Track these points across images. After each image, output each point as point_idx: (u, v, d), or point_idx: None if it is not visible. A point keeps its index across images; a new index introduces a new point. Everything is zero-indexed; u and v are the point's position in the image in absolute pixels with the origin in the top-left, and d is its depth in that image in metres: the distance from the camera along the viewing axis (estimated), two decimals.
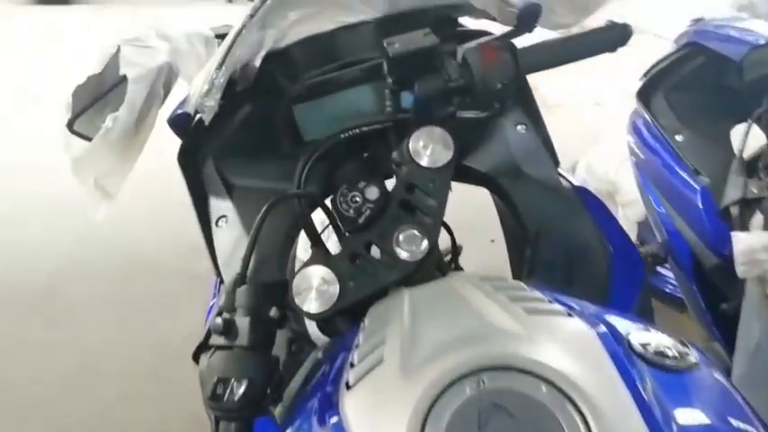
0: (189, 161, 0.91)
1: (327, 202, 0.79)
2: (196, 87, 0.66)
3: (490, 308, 0.53)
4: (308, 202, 0.80)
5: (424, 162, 0.72)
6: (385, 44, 0.73)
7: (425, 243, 0.70)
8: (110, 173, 0.73)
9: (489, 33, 0.92)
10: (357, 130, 0.81)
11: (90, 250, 2.42)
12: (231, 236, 0.87)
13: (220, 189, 0.90)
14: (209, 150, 0.91)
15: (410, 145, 0.73)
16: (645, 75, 1.54)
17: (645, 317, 0.79)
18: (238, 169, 0.91)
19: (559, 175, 0.90)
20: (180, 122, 0.72)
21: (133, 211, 2.12)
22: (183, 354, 0.62)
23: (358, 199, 0.72)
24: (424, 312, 0.58)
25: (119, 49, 0.70)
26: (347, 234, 0.73)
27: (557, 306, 0.53)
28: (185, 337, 0.89)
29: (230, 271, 0.83)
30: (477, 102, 0.77)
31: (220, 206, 0.90)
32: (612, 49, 0.78)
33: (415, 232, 0.70)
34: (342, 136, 0.81)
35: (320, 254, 0.72)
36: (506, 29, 0.78)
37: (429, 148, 0.73)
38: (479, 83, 0.73)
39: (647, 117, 1.53)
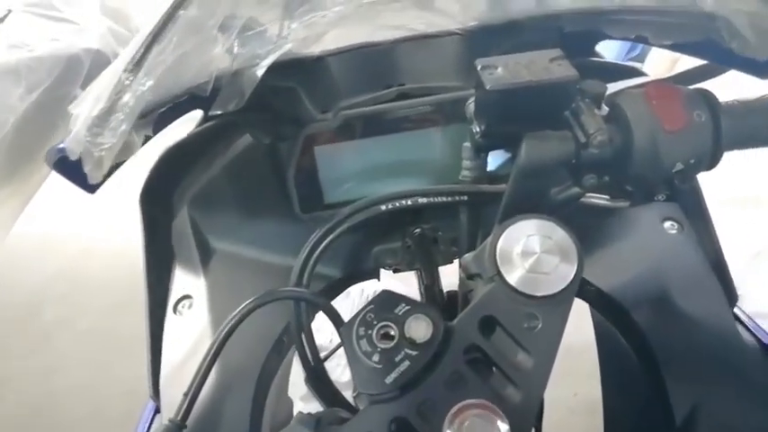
0: (154, 206, 0.64)
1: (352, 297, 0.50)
2: (85, 107, 0.37)
3: None
4: (315, 305, 0.51)
5: (518, 282, 0.42)
6: (479, 67, 0.44)
7: None
8: None
9: (640, 72, 0.61)
10: (408, 202, 0.51)
11: (88, 269, 2.21)
12: (191, 332, 0.59)
13: (192, 253, 0.63)
14: (185, 195, 0.64)
15: (498, 246, 0.43)
16: None
17: None
18: (223, 227, 0.64)
19: (737, 320, 0.56)
20: (71, 166, 0.44)
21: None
22: None
23: (392, 332, 0.42)
24: None
25: (6, 16, 0.43)
26: (365, 396, 0.42)
27: None
28: None
29: (170, 402, 0.54)
30: (621, 184, 0.46)
31: (186, 281, 0.62)
32: None
33: (490, 415, 0.39)
34: (382, 208, 0.51)
35: (309, 421, 0.42)
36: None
37: (533, 257, 0.42)
38: (644, 156, 0.42)
39: None
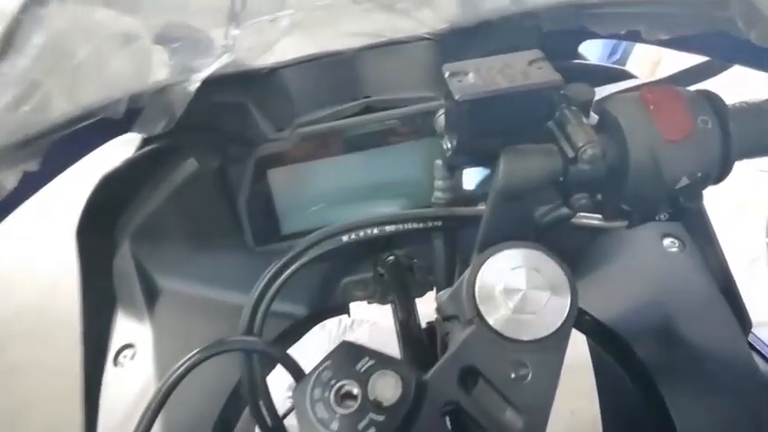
0: (93, 242, 0.57)
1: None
2: None
3: None
4: (269, 356, 0.45)
5: (501, 324, 0.36)
6: (446, 74, 0.38)
7: None
8: None
9: (629, 74, 0.56)
10: (374, 231, 0.45)
11: (55, 303, 2.10)
12: (133, 386, 0.52)
13: (135, 295, 0.56)
14: (127, 229, 0.57)
15: (477, 282, 0.37)
16: None
17: None
18: (170, 264, 0.57)
19: (752, 348, 0.51)
20: None
21: None
22: None
23: (354, 392, 0.35)
24: None
25: None
26: None
27: None
28: None
29: None
30: (617, 203, 0.40)
31: (128, 327, 0.56)
32: None
33: None
34: (344, 239, 0.45)
35: None
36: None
37: (518, 295, 0.36)
38: (643, 171, 0.36)
39: None
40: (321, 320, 0.59)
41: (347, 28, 0.57)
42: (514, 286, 0.36)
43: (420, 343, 0.54)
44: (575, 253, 0.54)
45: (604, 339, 0.53)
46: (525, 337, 0.35)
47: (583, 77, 0.41)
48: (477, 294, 0.36)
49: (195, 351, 0.42)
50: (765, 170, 2.02)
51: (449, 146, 0.41)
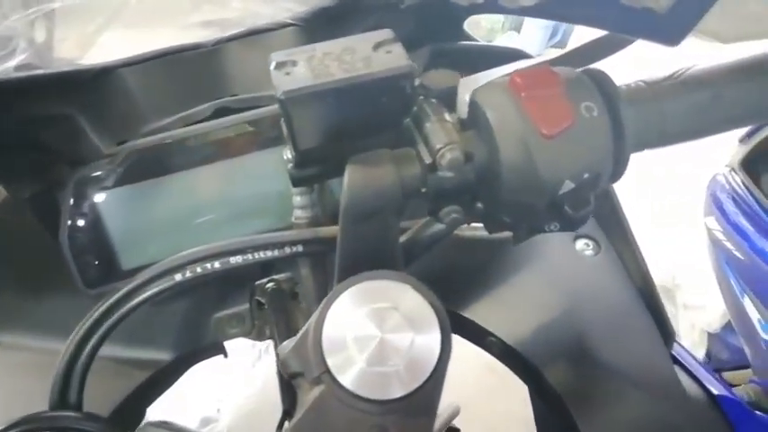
0: None
1: None
2: None
3: None
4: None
5: (355, 382, 0.29)
6: (272, 66, 0.30)
7: None
8: None
9: (523, 54, 0.49)
10: (215, 264, 0.37)
11: None
12: None
13: None
14: None
15: (324, 330, 0.30)
16: (749, 135, 1.11)
17: None
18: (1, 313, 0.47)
19: (676, 361, 0.45)
20: None
21: None
22: None
23: None
24: None
25: None
26: None
27: None
28: None
29: None
30: (496, 214, 0.34)
31: None
32: None
33: None
34: (177, 278, 0.37)
35: None
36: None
37: (373, 343, 0.29)
38: (516, 176, 0.30)
39: (750, 193, 1.10)
40: (192, 364, 0.50)
41: (195, 18, 0.49)
42: (367, 332, 0.29)
43: None
44: (471, 263, 0.48)
45: (515, 364, 0.46)
46: (386, 396, 0.28)
47: (468, 59, 0.34)
48: (323, 345, 0.29)
49: None
50: None
51: (289, 156, 0.33)
